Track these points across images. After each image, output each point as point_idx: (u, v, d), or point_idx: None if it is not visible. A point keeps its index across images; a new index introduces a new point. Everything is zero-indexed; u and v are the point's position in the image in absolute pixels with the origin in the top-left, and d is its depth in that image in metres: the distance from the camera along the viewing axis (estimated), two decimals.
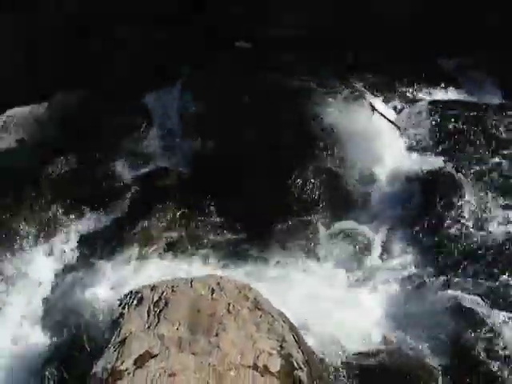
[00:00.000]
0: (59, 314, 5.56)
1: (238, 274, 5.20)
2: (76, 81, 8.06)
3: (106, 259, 5.95)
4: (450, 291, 5.18)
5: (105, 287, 5.54)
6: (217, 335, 4.09)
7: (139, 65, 8.17)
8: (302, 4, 8.32)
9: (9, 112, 8.46)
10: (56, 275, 5.99)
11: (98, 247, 6.15)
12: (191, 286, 4.44)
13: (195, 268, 5.65)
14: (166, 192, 6.62)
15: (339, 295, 5.24)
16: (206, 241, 6.10)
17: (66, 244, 6.31)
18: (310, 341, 4.66)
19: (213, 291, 4.38)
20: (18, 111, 8.46)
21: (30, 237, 6.31)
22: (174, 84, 8.05)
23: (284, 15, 8.47)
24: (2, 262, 6.06)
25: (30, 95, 8.28)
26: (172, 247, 6.05)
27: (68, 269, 6.02)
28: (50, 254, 6.21)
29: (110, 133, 7.34)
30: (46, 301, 5.79)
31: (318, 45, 7.80)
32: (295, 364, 4.03)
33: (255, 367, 3.92)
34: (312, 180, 6.58)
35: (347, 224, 6.13)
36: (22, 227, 6.35)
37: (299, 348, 4.21)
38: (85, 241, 6.31)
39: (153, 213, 6.35)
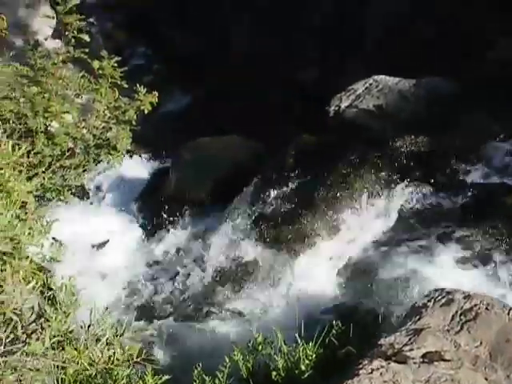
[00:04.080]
0: (361, 272, 5.80)
1: None
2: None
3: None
4: None
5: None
6: None
7: None
8: None
9: (375, 77, 8.85)
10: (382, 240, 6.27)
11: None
12: (508, 313, 4.23)
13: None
14: (493, 214, 6.33)
15: None
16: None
17: (385, 216, 6.51)
18: None
19: None
20: (384, 79, 8.79)
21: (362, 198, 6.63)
22: None
23: None
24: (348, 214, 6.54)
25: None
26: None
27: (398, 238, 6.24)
28: (378, 216, 6.48)
29: (467, 132, 7.18)
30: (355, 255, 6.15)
31: None
32: None
33: None
34: None
35: None
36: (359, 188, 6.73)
37: None
38: (406, 217, 6.45)
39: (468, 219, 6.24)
